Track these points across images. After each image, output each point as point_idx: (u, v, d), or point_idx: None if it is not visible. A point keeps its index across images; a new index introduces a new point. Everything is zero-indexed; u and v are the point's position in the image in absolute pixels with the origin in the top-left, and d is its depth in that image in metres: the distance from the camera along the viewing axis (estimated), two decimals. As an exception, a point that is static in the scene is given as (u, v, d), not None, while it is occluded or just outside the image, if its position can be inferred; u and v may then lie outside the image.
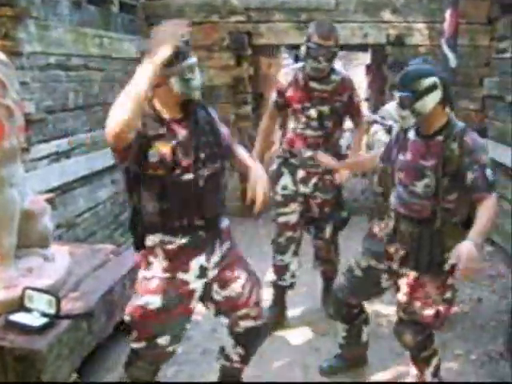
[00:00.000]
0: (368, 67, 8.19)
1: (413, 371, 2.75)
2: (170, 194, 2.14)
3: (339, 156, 3.36)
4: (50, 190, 3.55)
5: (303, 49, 3.24)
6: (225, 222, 2.34)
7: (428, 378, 2.69)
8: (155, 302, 2.14)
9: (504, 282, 4.35)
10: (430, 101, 2.40)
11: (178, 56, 2.07)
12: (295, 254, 3.47)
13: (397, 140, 2.65)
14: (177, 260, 2.18)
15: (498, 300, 4.04)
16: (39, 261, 2.56)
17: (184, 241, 2.17)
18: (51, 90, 3.68)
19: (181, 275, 2.19)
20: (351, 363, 3.09)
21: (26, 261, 2.51)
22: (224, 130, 2.35)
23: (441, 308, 2.53)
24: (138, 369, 2.23)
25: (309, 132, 3.32)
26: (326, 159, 3.08)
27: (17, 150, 2.32)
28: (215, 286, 2.29)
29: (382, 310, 3.71)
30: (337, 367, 3.08)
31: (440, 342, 3.16)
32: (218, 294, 2.29)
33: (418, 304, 2.54)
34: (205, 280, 2.25)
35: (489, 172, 2.36)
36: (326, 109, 3.31)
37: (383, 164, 2.74)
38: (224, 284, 2.29)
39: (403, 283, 2.60)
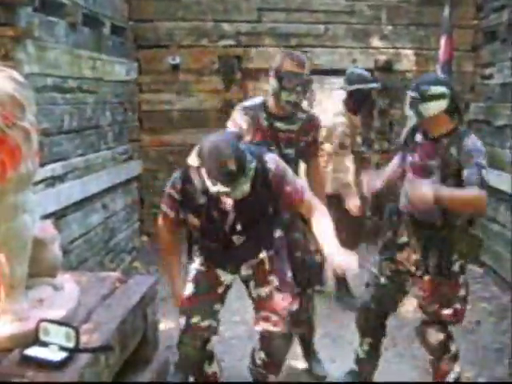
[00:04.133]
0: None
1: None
2: (198, 243, 2.66)
3: None
4: (46, 216, 3.42)
5: (273, 82, 2.84)
6: (275, 234, 2.64)
7: None
8: (189, 289, 2.63)
9: (498, 304, 4.38)
10: (434, 107, 2.59)
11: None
12: None
13: (406, 144, 2.85)
14: (210, 258, 2.63)
15: (495, 322, 4.07)
16: (49, 291, 2.43)
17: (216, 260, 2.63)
18: (48, 113, 3.58)
19: (213, 268, 2.62)
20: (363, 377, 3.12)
21: (36, 291, 2.38)
22: (287, 187, 2.44)
23: (458, 306, 2.71)
24: (185, 344, 2.65)
25: None
26: None
27: (32, 175, 2.21)
28: (251, 283, 2.63)
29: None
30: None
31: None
32: (253, 291, 2.63)
33: (436, 305, 2.70)
34: (236, 276, 2.66)
35: (484, 173, 2.51)
36: (291, 151, 2.95)
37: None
38: (257, 283, 2.61)
39: (420, 287, 2.76)
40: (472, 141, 2.60)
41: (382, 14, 5.64)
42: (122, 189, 5.13)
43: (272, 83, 2.86)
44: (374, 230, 5.98)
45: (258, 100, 2.99)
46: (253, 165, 2.26)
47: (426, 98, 2.59)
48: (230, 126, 2.96)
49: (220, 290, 2.65)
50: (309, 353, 3.33)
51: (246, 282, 2.69)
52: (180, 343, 2.69)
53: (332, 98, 13.91)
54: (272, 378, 2.72)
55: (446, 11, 4.88)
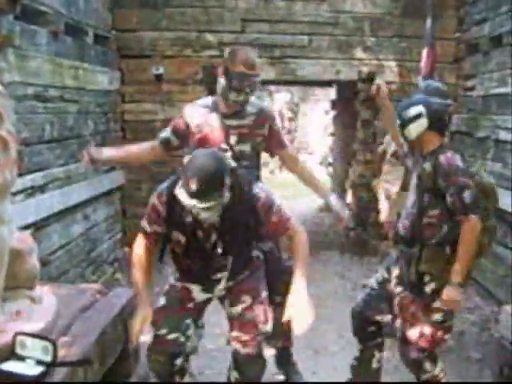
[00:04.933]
0: (333, 103, 8.32)
1: None
2: (185, 259, 2.56)
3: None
4: (26, 227, 3.37)
5: (222, 81, 2.76)
6: (253, 254, 2.61)
7: None
8: (161, 301, 2.61)
9: (481, 314, 4.39)
10: (415, 128, 2.64)
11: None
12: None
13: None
14: (187, 275, 2.59)
15: (478, 332, 4.08)
16: (26, 303, 2.37)
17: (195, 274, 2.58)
18: (28, 122, 3.53)
19: (187, 284, 2.59)
20: None
21: (13, 303, 2.32)
22: (274, 217, 2.44)
23: (426, 329, 2.62)
24: (153, 361, 2.57)
25: None
26: None
27: (10, 185, 2.16)
28: (226, 302, 2.62)
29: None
30: None
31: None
32: (227, 309, 2.62)
33: (405, 323, 2.69)
34: (210, 295, 2.63)
35: (466, 194, 2.52)
36: (246, 147, 2.85)
37: None
38: (230, 303, 2.59)
39: (396, 302, 2.76)
40: (447, 159, 2.59)
41: (365, 25, 5.68)
42: (103, 199, 5.07)
43: (221, 82, 2.77)
44: (358, 242, 6.00)
45: (208, 100, 2.95)
46: (227, 195, 2.26)
47: (406, 122, 2.65)
48: (179, 120, 2.93)
49: (190, 305, 2.60)
50: (287, 363, 3.25)
51: (220, 300, 2.68)
52: (148, 361, 2.61)
53: (316, 109, 13.99)
54: None
55: (429, 24, 4.92)
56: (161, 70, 5.50)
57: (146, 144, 3.09)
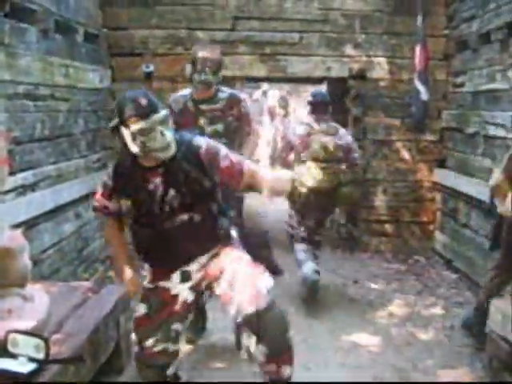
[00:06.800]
0: (324, 100, 8.34)
1: None
2: (140, 237, 2.46)
3: None
4: (17, 225, 3.36)
5: (188, 68, 3.42)
6: (223, 226, 2.50)
7: None
8: (141, 309, 2.49)
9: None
10: None
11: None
12: None
13: None
14: (158, 270, 2.48)
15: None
16: (18, 301, 2.38)
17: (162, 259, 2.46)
18: (19, 121, 3.52)
19: (162, 283, 2.46)
20: None
21: (5, 302, 2.33)
22: (224, 162, 2.38)
23: None
24: (142, 370, 2.50)
25: None
26: None
27: None
28: (213, 285, 2.45)
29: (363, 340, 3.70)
30: None
31: (423, 369, 3.27)
32: (216, 289, 2.45)
33: None
34: (190, 283, 2.46)
35: None
36: (219, 127, 3.41)
37: None
38: (214, 281, 2.44)
39: None
40: None
41: (356, 22, 5.68)
42: (95, 197, 5.06)
43: (187, 69, 3.43)
44: (349, 238, 6.03)
45: (186, 91, 3.54)
46: (173, 135, 2.33)
47: None
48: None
49: (177, 307, 2.44)
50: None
51: (200, 290, 2.52)
52: (138, 369, 2.53)
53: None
54: (286, 369, 2.37)
55: (420, 20, 4.95)
56: (151, 68, 5.48)
57: None
